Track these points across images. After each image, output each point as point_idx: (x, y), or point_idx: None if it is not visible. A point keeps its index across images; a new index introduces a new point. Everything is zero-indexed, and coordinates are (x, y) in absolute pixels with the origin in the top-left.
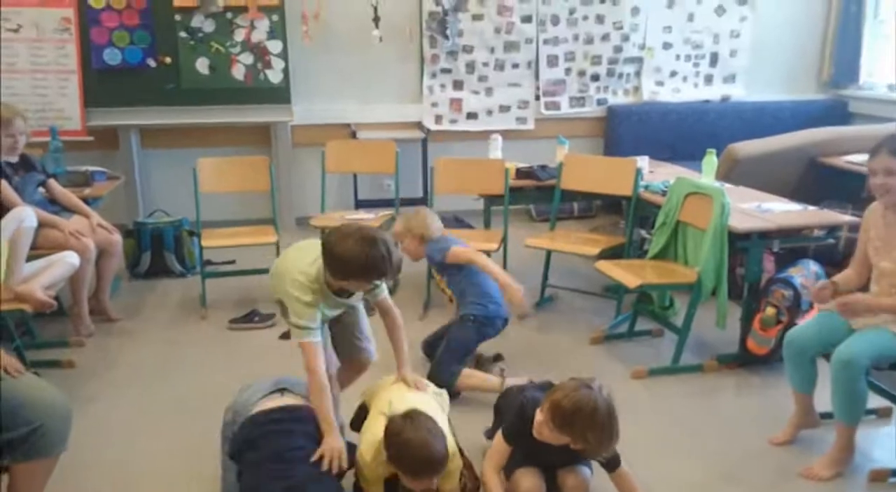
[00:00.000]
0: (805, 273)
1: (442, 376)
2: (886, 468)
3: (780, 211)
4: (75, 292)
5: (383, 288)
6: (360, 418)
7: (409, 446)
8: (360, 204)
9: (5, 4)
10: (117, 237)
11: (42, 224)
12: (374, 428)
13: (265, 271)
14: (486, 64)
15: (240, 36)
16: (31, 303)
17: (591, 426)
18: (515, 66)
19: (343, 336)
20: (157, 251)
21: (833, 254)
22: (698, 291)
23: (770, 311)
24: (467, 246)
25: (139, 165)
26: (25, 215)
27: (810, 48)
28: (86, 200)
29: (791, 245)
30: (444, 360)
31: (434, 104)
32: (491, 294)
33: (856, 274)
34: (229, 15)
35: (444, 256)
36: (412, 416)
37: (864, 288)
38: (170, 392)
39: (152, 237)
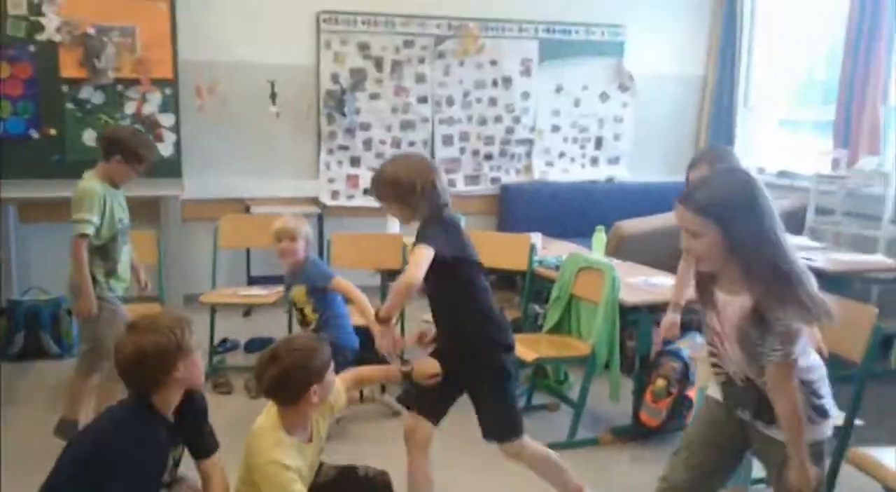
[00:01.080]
0: (692, 345)
1: None
2: None
3: (666, 285)
4: None
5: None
6: None
7: None
8: (253, 280)
9: None
10: None
11: None
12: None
13: None
14: (383, 141)
15: (130, 108)
16: None
17: None
18: (412, 143)
19: None
20: (31, 331)
21: None
22: (592, 364)
23: (660, 383)
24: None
25: (15, 240)
26: None
27: (687, 133)
28: None
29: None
30: None
31: (331, 180)
32: (348, 326)
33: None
34: (120, 87)
35: (327, 282)
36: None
37: None
38: None
39: (27, 316)
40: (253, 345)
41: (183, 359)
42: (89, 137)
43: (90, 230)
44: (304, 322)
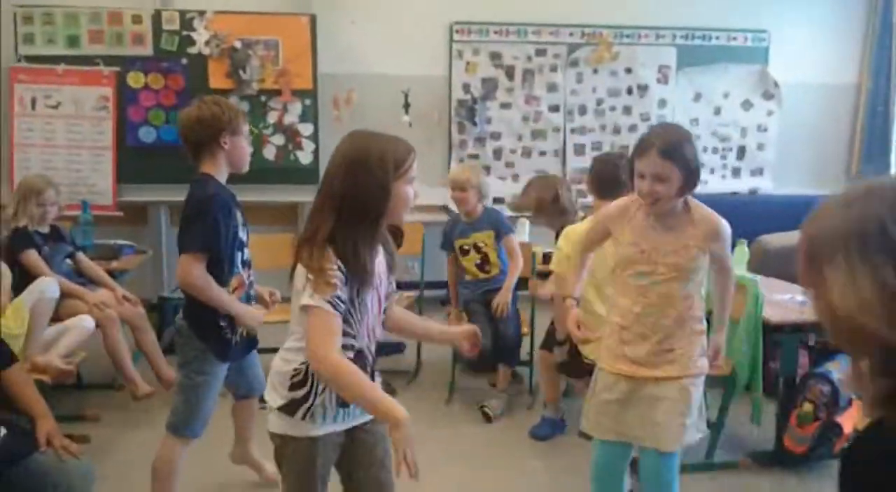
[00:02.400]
0: (843, 368)
1: None
2: None
3: None
4: (116, 360)
5: None
6: None
7: None
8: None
9: (47, 83)
10: (141, 310)
11: (67, 294)
12: None
13: None
14: (513, 151)
15: (273, 118)
16: (51, 373)
17: None
18: (542, 153)
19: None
20: None
21: None
22: (732, 385)
23: (807, 407)
24: None
25: (167, 241)
26: (47, 286)
27: (839, 143)
28: (112, 273)
29: (827, 339)
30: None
31: None
32: None
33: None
34: (263, 98)
35: (511, 231)
36: None
37: None
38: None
39: (176, 312)
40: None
41: (231, 136)
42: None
43: None
44: (483, 268)
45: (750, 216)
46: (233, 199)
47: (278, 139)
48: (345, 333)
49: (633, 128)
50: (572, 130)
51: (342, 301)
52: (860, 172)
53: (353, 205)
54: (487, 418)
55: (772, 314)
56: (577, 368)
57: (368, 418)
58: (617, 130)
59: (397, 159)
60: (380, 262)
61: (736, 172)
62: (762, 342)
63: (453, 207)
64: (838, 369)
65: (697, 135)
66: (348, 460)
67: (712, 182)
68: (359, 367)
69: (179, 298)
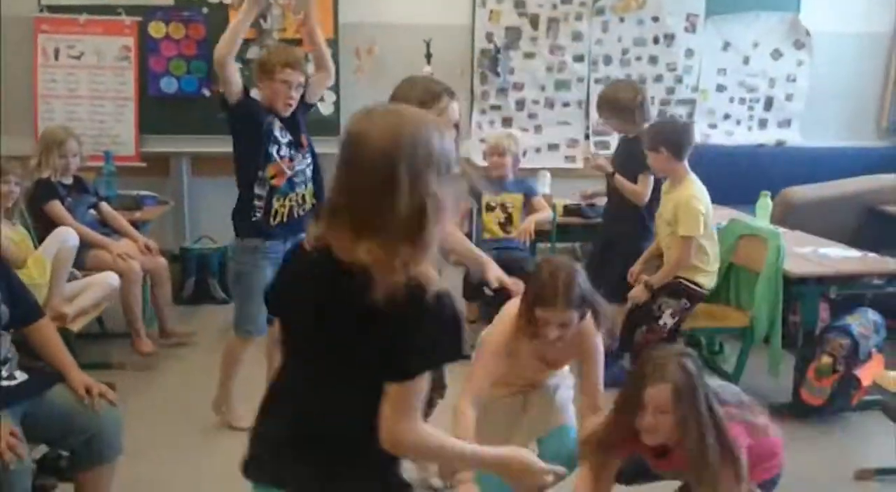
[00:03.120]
0: (863, 321)
1: None
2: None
3: (838, 257)
4: (128, 314)
5: None
6: None
7: None
8: None
9: (69, 33)
10: (163, 262)
11: (91, 245)
12: None
13: None
14: (536, 102)
15: None
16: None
17: None
18: (566, 104)
19: None
20: (201, 277)
21: (891, 303)
22: (751, 336)
23: (826, 360)
24: None
25: (188, 192)
26: (67, 236)
27: (869, 95)
28: (135, 224)
29: (848, 293)
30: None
31: (482, 140)
32: None
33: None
34: None
35: (537, 195)
36: None
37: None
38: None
39: (198, 263)
40: None
41: (265, 79)
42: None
43: None
44: (505, 228)
45: (776, 168)
46: (265, 111)
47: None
48: None
49: (658, 78)
50: (596, 81)
51: None
52: (890, 124)
53: None
54: None
55: (793, 267)
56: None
57: None
58: (642, 81)
59: None
60: None
61: (762, 124)
62: (783, 295)
63: (476, 159)
64: (858, 322)
65: (724, 85)
66: None
67: (738, 133)
68: None
69: (201, 249)
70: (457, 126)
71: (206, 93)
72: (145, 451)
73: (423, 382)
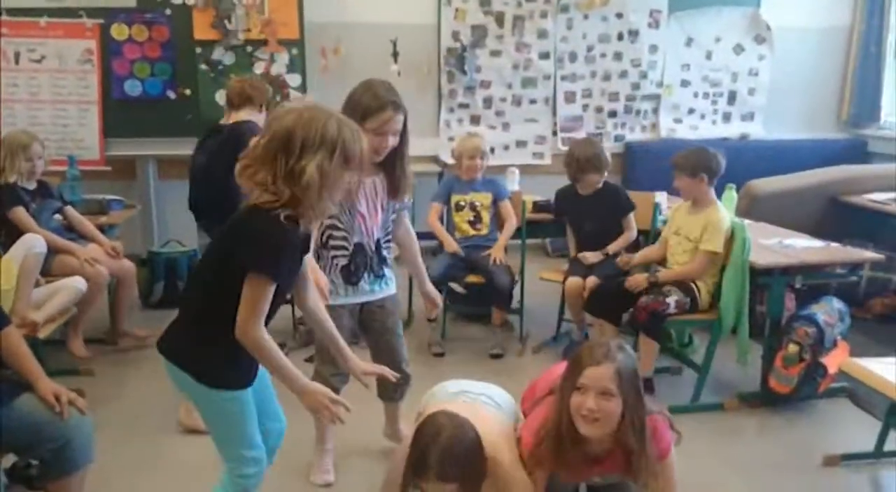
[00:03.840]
0: (828, 310)
1: None
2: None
3: (802, 247)
4: (78, 316)
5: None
6: None
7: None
8: None
9: (30, 36)
10: (130, 265)
11: (58, 250)
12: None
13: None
14: (503, 99)
15: (259, 69)
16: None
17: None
18: (533, 101)
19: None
20: (170, 281)
21: (855, 292)
22: (718, 328)
23: (792, 349)
24: None
25: (155, 195)
26: (35, 242)
27: (829, 88)
28: (101, 228)
29: (813, 282)
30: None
31: (451, 138)
32: None
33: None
34: (249, 48)
35: (505, 198)
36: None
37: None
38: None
39: (166, 267)
40: None
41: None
42: (221, 97)
43: None
44: (474, 226)
45: (740, 161)
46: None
47: None
48: (336, 228)
49: (623, 74)
50: (563, 78)
51: None
52: (850, 117)
53: None
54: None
55: (758, 258)
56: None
57: (378, 296)
58: (607, 77)
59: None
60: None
61: (727, 118)
62: (749, 286)
63: (445, 158)
64: (823, 310)
65: (688, 80)
66: (366, 328)
67: (703, 128)
68: (358, 261)
69: (169, 253)
70: (402, 136)
71: (171, 95)
72: (116, 458)
73: (261, 288)
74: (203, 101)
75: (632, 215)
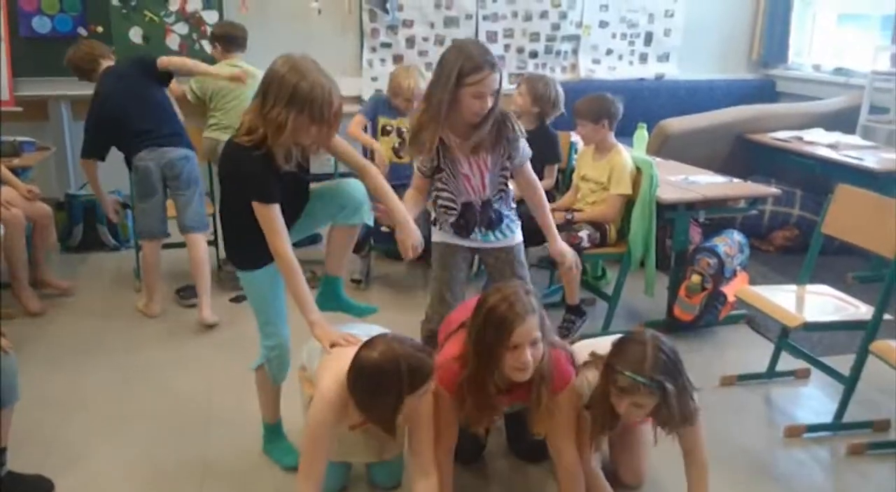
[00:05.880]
0: (729, 242)
1: None
2: (801, 424)
3: (705, 183)
4: (11, 267)
5: None
6: None
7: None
8: None
9: None
10: (47, 208)
11: None
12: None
13: None
14: (426, 39)
15: (174, 5)
16: None
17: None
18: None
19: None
20: (89, 224)
21: (758, 225)
22: (628, 261)
23: (695, 278)
24: None
25: (70, 137)
26: None
27: (741, 29)
28: (15, 171)
29: (716, 216)
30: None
31: (374, 78)
32: None
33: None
34: None
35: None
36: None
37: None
38: (106, 364)
39: (84, 210)
40: None
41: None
42: (135, 34)
43: None
44: (398, 154)
45: (656, 102)
46: None
47: (181, 28)
48: (443, 191)
49: (544, 14)
50: (484, 17)
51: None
52: (760, 57)
53: None
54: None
55: (664, 194)
56: None
57: (493, 245)
58: (528, 17)
59: None
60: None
61: (643, 58)
62: (656, 221)
63: (366, 97)
64: (724, 242)
65: (606, 21)
66: (488, 270)
67: (620, 68)
68: (468, 217)
69: (87, 195)
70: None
71: (83, 32)
72: (41, 398)
73: (263, 211)
74: (117, 38)
75: (556, 167)
